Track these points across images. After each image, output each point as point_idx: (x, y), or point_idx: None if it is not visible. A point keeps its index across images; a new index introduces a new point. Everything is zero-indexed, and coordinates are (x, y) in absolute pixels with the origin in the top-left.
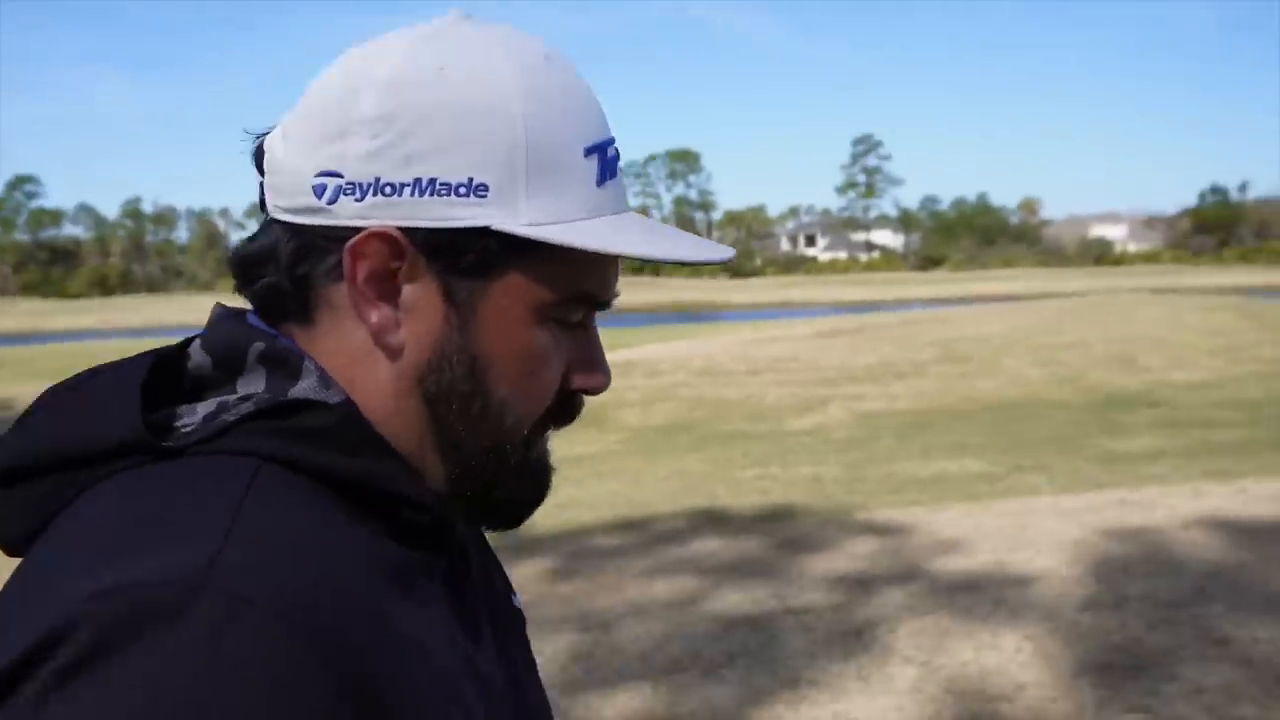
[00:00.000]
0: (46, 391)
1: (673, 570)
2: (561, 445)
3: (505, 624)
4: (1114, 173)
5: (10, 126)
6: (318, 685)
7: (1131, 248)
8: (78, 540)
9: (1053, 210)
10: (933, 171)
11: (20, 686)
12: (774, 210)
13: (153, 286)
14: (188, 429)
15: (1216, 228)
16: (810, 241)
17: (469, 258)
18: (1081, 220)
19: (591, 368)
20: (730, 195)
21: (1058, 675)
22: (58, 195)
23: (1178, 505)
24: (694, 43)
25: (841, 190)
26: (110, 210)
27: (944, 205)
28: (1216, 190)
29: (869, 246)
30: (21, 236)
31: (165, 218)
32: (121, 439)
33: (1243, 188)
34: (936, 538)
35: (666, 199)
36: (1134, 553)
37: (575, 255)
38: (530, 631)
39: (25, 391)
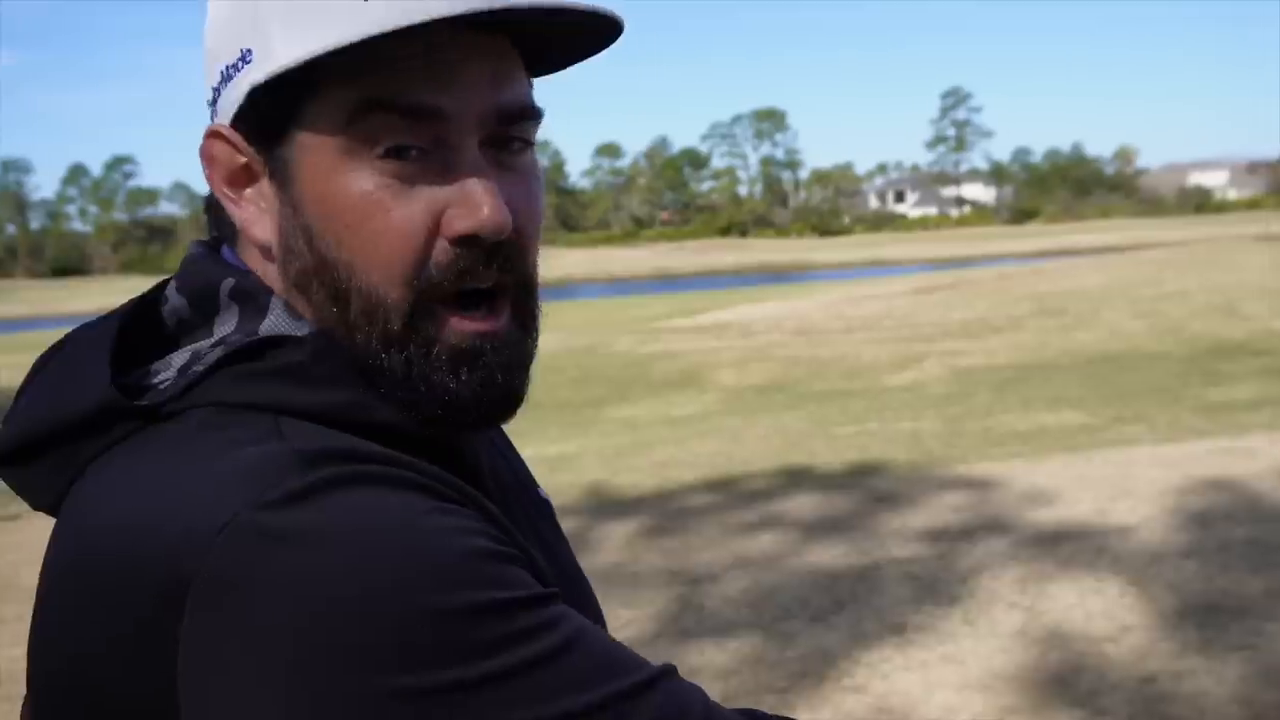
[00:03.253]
0: (31, 369)
1: (776, 525)
2: (660, 407)
3: (536, 516)
4: (1213, 118)
5: (108, 108)
6: (459, 509)
7: (1233, 194)
8: (112, 522)
9: (1150, 159)
10: (1025, 123)
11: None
12: (862, 167)
13: None
14: (164, 384)
15: None
16: (899, 198)
17: (255, 124)
18: (1180, 168)
19: (464, 203)
20: (817, 153)
21: (1162, 617)
22: (154, 174)
23: None
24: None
25: (931, 145)
26: (204, 187)
27: (1036, 157)
28: None
29: (960, 201)
30: (120, 216)
31: None
32: (94, 407)
33: None
34: (1038, 489)
35: (753, 159)
36: (1237, 500)
37: (353, 71)
38: (636, 586)
39: None
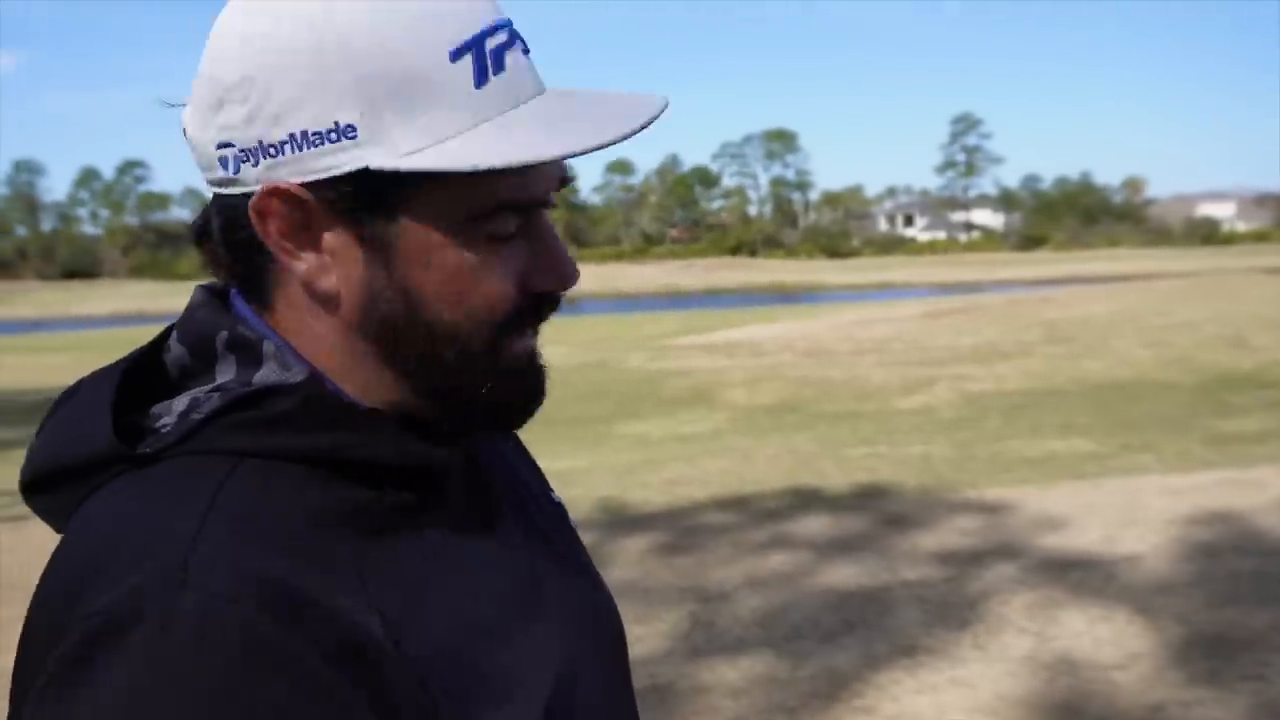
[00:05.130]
0: (56, 401)
1: (786, 544)
2: (671, 424)
3: (547, 522)
4: (1222, 150)
5: (121, 111)
6: (312, 666)
7: (1240, 227)
8: (71, 557)
9: (1158, 189)
10: (1034, 150)
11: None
12: (872, 190)
13: None
14: (165, 429)
15: None
16: (909, 221)
17: (364, 200)
18: (1188, 199)
19: (550, 267)
20: (828, 175)
21: (1170, 646)
22: (166, 179)
23: None
24: (792, 21)
25: (940, 169)
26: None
27: (1046, 184)
28: None
29: (968, 226)
30: (131, 220)
31: None
32: (96, 453)
33: None
34: (1047, 515)
35: (763, 179)
36: (1245, 532)
37: (467, 174)
38: (648, 603)
39: None
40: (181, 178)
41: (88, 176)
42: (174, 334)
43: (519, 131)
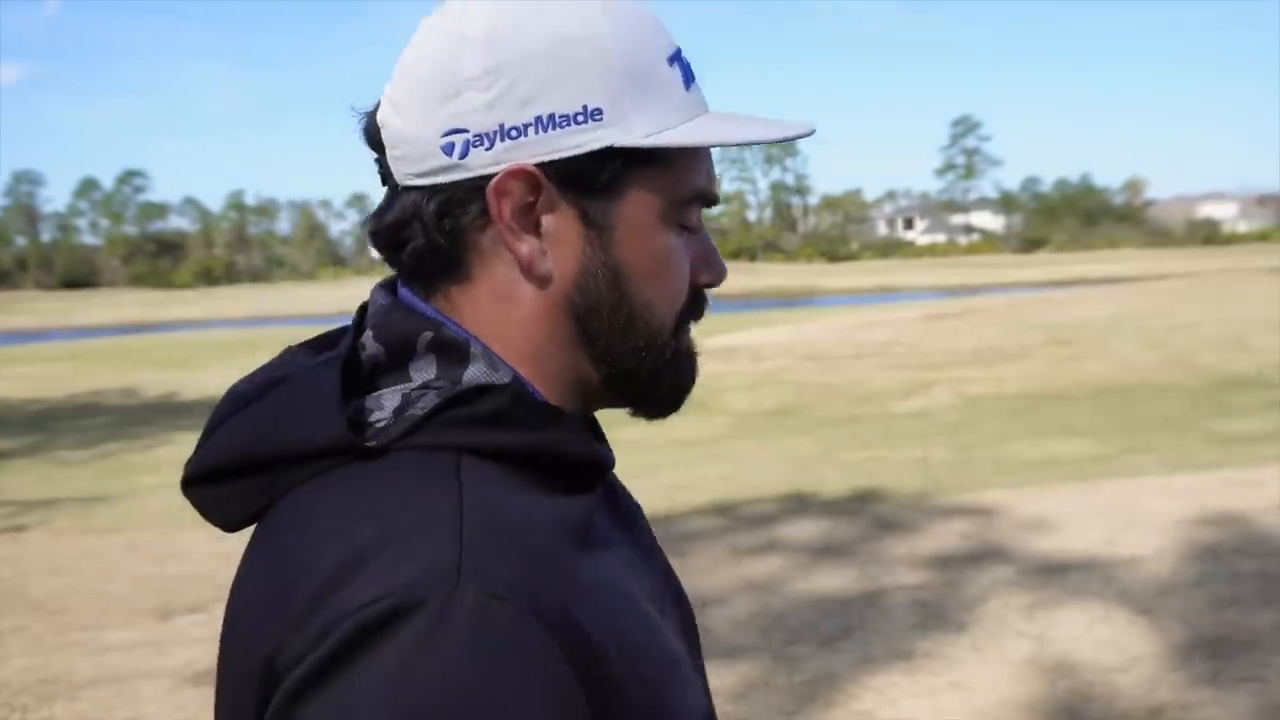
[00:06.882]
0: (230, 398)
1: (784, 549)
2: (668, 429)
3: (638, 521)
4: (1223, 150)
5: (120, 121)
6: (563, 670)
7: (1242, 227)
8: (318, 545)
9: (1159, 190)
10: (1034, 152)
11: (285, 686)
12: (871, 194)
13: (256, 277)
14: (381, 424)
15: None
16: (908, 225)
17: (600, 179)
18: (1189, 200)
19: (711, 263)
20: (827, 179)
21: (1171, 648)
22: (164, 189)
23: None
24: (788, 23)
25: (940, 172)
26: (215, 203)
27: (1046, 186)
28: None
29: (968, 229)
30: (130, 229)
31: (267, 209)
32: (328, 442)
33: None
34: (1046, 517)
35: (763, 184)
36: (1247, 532)
37: (686, 157)
38: None
39: (143, 379)
40: (180, 187)
41: (87, 186)
42: (368, 332)
43: (729, 124)
